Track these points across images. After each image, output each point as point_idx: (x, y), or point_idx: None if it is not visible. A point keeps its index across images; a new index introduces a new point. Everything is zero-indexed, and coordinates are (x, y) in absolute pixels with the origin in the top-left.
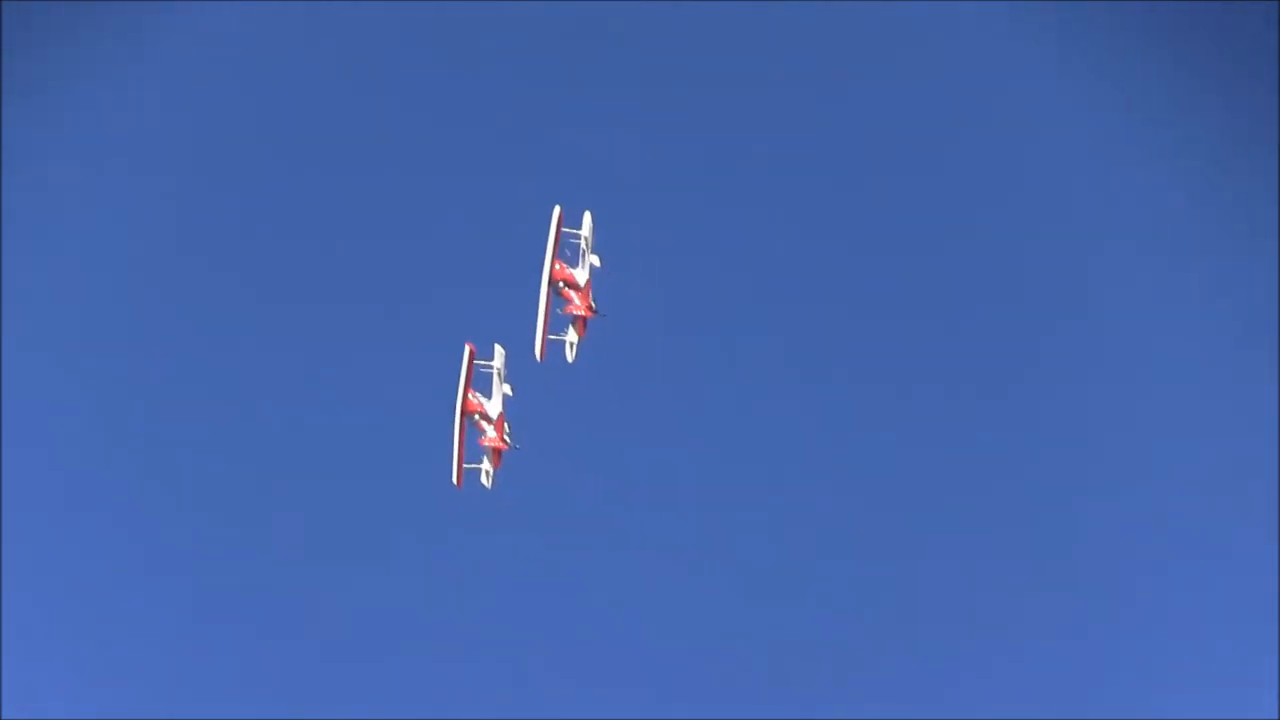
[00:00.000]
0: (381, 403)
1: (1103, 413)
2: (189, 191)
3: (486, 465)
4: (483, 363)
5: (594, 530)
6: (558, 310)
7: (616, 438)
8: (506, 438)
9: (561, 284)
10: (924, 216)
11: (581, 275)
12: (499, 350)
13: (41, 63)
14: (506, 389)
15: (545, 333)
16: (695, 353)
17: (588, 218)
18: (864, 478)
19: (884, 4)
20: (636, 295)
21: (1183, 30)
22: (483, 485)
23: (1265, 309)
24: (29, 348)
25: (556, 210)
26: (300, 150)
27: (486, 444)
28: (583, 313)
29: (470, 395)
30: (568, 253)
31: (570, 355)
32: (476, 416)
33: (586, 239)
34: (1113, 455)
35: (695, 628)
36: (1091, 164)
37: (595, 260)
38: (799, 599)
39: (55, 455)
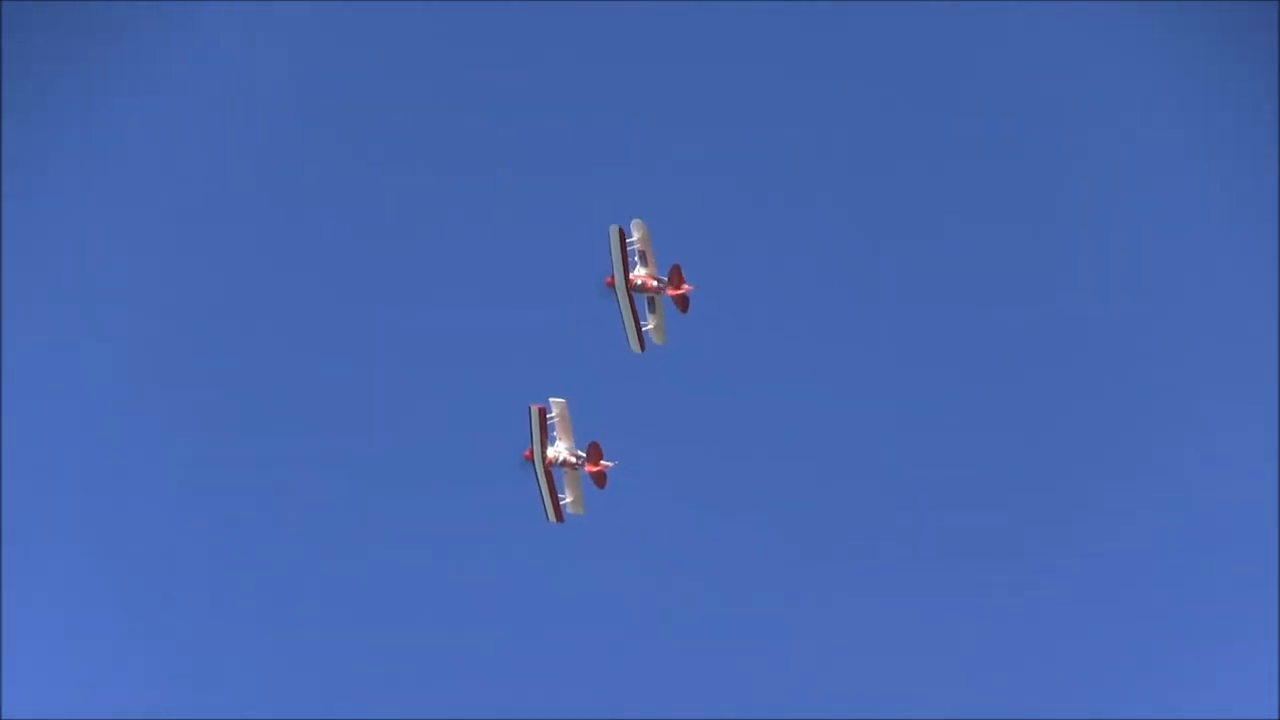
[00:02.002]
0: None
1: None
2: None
3: (569, 498)
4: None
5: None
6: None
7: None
8: (604, 460)
9: (639, 285)
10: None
11: (650, 273)
12: (558, 402)
13: (44, 65)
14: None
15: (639, 329)
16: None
17: (638, 223)
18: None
19: None
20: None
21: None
22: (571, 514)
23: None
24: (29, 345)
25: (614, 228)
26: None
27: (590, 471)
28: (685, 290)
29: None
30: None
31: (660, 339)
32: (559, 461)
33: (643, 240)
34: (1112, 467)
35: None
36: None
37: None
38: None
39: (56, 453)
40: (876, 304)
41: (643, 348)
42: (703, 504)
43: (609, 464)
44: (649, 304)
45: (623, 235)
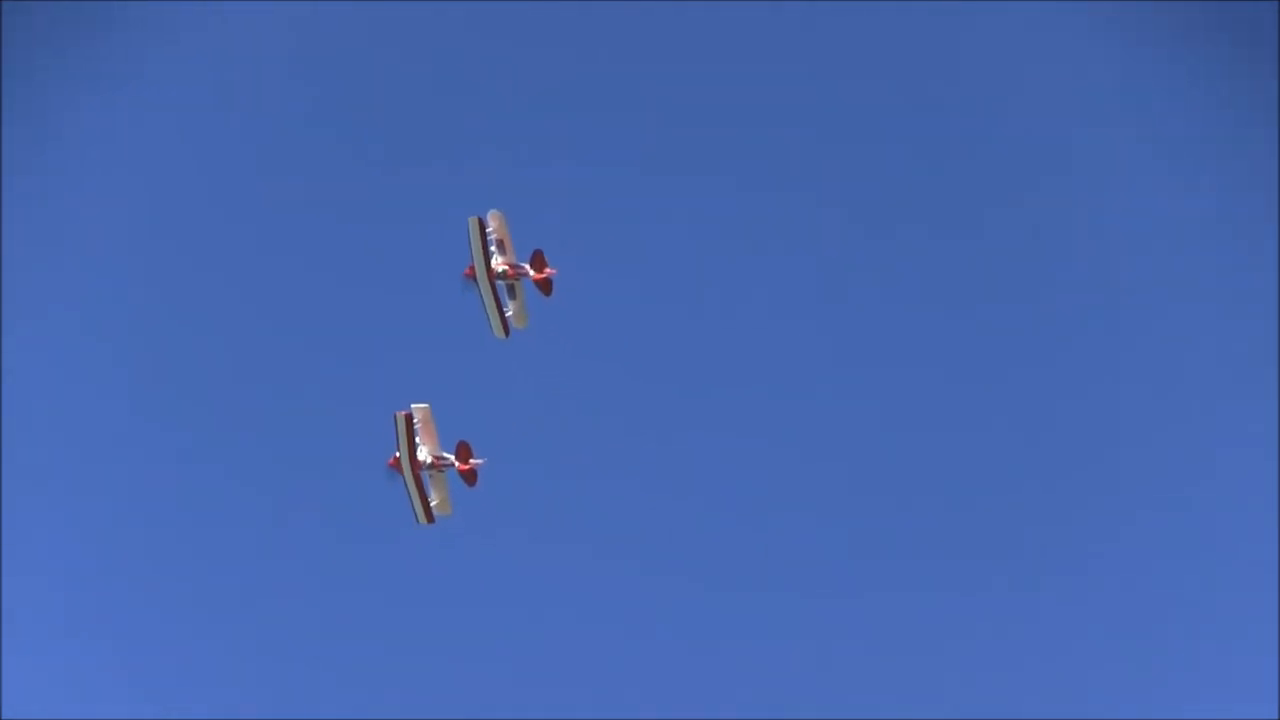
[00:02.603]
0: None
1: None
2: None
3: (436, 499)
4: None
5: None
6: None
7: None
8: (474, 460)
9: (501, 273)
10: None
11: (509, 260)
12: (420, 407)
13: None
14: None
15: (501, 315)
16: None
17: (495, 214)
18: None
19: None
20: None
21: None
22: (442, 515)
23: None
24: (29, 345)
25: (473, 220)
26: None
27: (461, 470)
28: (548, 274)
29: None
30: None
31: (521, 323)
32: (427, 465)
33: (500, 229)
34: (1112, 466)
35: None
36: None
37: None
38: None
39: (57, 452)
40: (870, 302)
41: (507, 333)
42: (606, 491)
43: (478, 461)
44: (509, 290)
45: (481, 225)
